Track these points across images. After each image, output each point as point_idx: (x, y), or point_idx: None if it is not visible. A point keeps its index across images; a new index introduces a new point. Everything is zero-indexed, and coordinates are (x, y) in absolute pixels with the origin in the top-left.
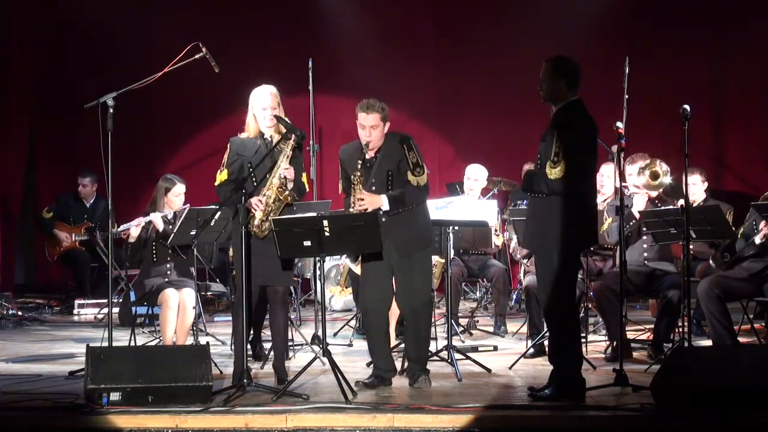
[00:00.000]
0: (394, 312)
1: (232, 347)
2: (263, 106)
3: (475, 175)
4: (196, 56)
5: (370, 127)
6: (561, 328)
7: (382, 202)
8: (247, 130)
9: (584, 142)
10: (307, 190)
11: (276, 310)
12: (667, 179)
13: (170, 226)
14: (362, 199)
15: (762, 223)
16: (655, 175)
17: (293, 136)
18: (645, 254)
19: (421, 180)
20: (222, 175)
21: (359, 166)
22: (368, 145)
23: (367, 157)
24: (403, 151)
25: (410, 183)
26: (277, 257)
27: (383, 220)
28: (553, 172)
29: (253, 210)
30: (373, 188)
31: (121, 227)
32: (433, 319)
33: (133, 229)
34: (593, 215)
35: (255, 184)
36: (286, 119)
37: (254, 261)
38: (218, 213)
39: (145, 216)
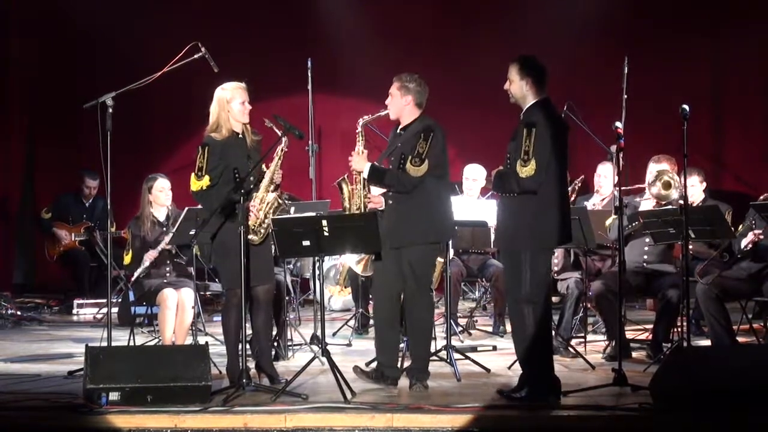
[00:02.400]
0: None
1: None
2: (243, 99)
3: (474, 175)
4: (195, 56)
5: (390, 94)
6: (532, 329)
7: (365, 167)
8: (219, 130)
9: (554, 141)
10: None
11: (260, 309)
12: (675, 193)
13: (164, 228)
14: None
15: (750, 234)
16: (667, 185)
17: (283, 139)
18: (645, 256)
19: (413, 171)
20: (203, 181)
21: (392, 134)
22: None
23: (398, 129)
24: (418, 139)
25: (405, 168)
26: (262, 257)
27: (390, 202)
28: (524, 171)
29: (247, 215)
30: (391, 165)
31: (138, 272)
32: (432, 321)
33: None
34: (565, 214)
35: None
36: (285, 119)
37: (240, 262)
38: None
39: (148, 259)
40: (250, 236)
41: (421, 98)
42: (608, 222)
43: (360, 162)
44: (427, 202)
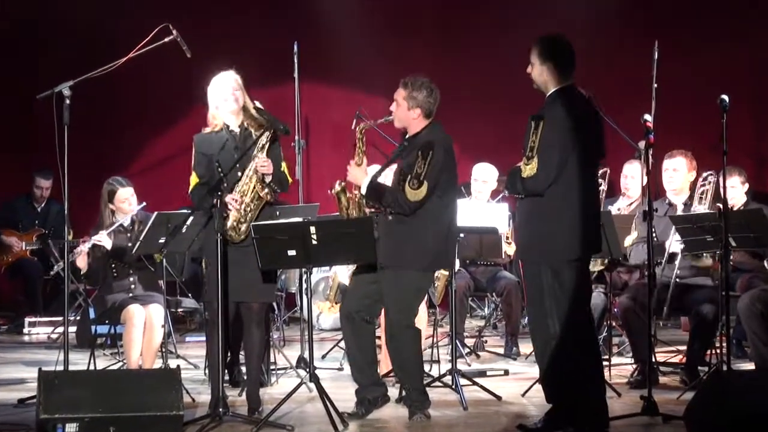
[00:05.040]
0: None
1: (207, 372)
2: (224, 96)
3: (484, 176)
4: (166, 39)
5: (394, 100)
6: (551, 349)
7: (363, 183)
8: (211, 125)
9: (574, 134)
10: (290, 181)
11: (251, 331)
12: None
13: (128, 234)
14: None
15: None
16: None
17: (267, 129)
18: (677, 270)
19: (411, 194)
20: (193, 178)
21: (401, 142)
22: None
23: (405, 138)
24: (417, 156)
25: (403, 190)
26: (253, 269)
27: (390, 218)
28: (526, 170)
29: (227, 210)
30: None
31: (73, 254)
32: (421, 346)
33: (79, 260)
34: (591, 219)
35: (225, 183)
36: (267, 111)
37: (228, 273)
38: (190, 218)
39: (87, 242)
40: (231, 234)
41: (432, 107)
42: (627, 242)
43: (358, 175)
44: (424, 225)
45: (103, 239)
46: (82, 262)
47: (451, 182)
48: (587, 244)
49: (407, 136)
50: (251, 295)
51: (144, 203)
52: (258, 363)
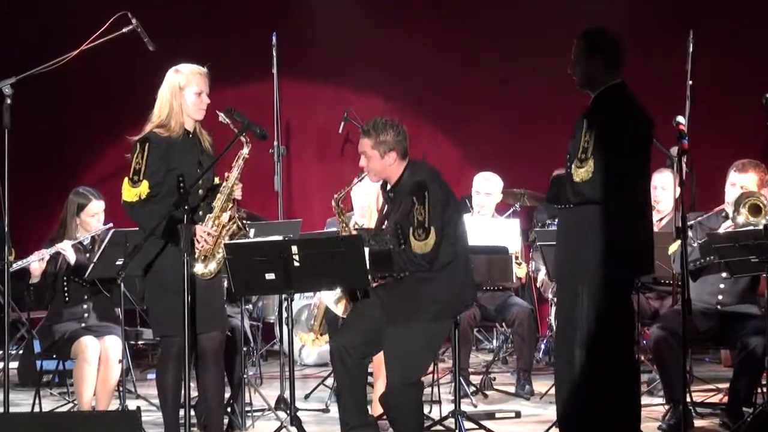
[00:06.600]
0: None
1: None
2: (200, 89)
3: (486, 187)
4: (124, 30)
5: (362, 153)
6: (578, 383)
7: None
8: (166, 124)
9: (626, 136)
10: None
11: (208, 364)
12: None
13: (87, 255)
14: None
15: None
16: (755, 210)
17: (246, 143)
18: (720, 296)
19: (420, 247)
20: (140, 188)
21: (385, 197)
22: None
23: (388, 188)
24: (412, 203)
25: (410, 245)
26: (209, 295)
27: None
28: (579, 173)
29: (198, 245)
30: (389, 243)
31: (18, 263)
32: (422, 401)
33: (35, 264)
34: (643, 234)
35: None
36: (241, 112)
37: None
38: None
39: (50, 247)
40: (198, 268)
41: (405, 145)
42: (673, 248)
43: None
44: (434, 270)
45: (68, 250)
46: (38, 270)
47: (455, 214)
48: (640, 263)
49: (389, 188)
50: (213, 324)
51: (111, 224)
52: (222, 402)
